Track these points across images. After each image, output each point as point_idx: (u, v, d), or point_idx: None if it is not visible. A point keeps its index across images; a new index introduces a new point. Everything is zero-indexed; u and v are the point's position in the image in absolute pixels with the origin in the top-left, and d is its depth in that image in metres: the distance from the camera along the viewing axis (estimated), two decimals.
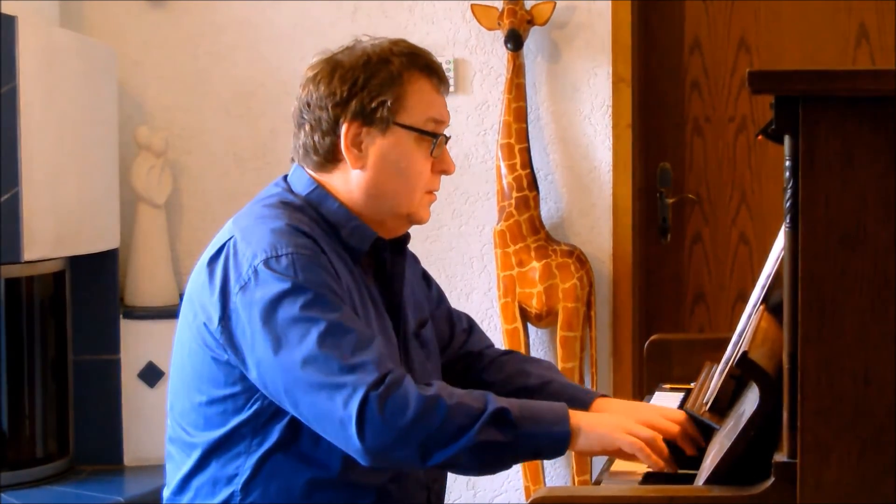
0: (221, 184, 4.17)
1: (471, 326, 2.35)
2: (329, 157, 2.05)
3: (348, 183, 2.05)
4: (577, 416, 1.91)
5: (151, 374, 3.97)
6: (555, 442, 1.89)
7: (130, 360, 3.98)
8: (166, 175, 4.10)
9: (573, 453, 3.80)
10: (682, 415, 2.05)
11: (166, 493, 2.09)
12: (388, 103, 2.02)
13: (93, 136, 3.83)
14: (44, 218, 3.62)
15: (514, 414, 1.87)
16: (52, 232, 3.66)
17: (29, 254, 3.60)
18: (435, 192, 2.11)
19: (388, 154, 2.03)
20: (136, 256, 4.07)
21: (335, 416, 1.84)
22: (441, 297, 2.33)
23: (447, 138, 2.10)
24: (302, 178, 2.09)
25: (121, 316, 3.97)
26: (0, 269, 3.66)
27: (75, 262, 3.89)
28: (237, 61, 4.14)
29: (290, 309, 1.88)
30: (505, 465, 1.91)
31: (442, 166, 2.09)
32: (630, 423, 1.94)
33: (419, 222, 2.11)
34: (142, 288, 4.05)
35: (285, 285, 1.89)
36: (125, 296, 4.07)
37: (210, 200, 4.18)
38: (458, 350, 2.30)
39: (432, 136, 2.05)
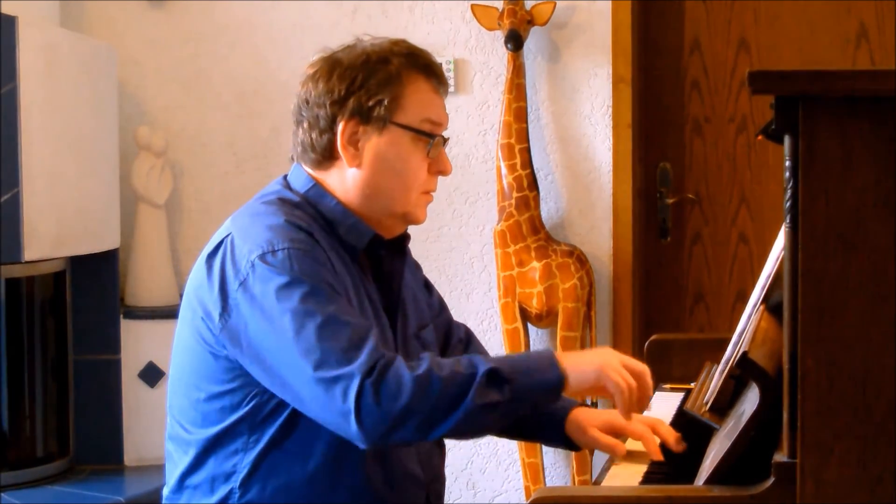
0: (221, 184, 4.17)
1: (468, 337, 2.36)
2: (326, 155, 2.06)
3: (345, 181, 2.06)
4: (564, 358, 1.95)
5: (151, 374, 3.97)
6: (551, 387, 1.93)
7: (130, 360, 3.97)
8: (166, 175, 4.10)
9: (573, 454, 3.80)
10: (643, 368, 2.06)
11: (166, 491, 2.09)
12: (386, 102, 2.02)
13: (93, 136, 3.83)
14: (44, 218, 3.62)
15: (506, 371, 1.89)
16: (52, 232, 3.66)
17: (29, 254, 3.60)
18: (431, 193, 2.11)
19: (385, 153, 2.04)
20: (136, 256, 4.07)
21: (335, 409, 1.85)
22: (442, 307, 2.33)
23: (445, 140, 2.10)
24: (300, 176, 2.10)
25: (121, 316, 3.97)
26: (0, 269, 3.66)
27: (75, 262, 3.89)
28: (237, 61, 4.14)
29: (288, 302, 1.89)
30: (506, 421, 1.95)
31: (438, 167, 2.09)
32: (615, 361, 1.98)
33: (415, 222, 2.11)
34: (142, 288, 4.05)
35: (283, 279, 1.90)
36: (125, 296, 4.07)
37: (210, 200, 4.18)
38: None
39: (429, 137, 2.06)
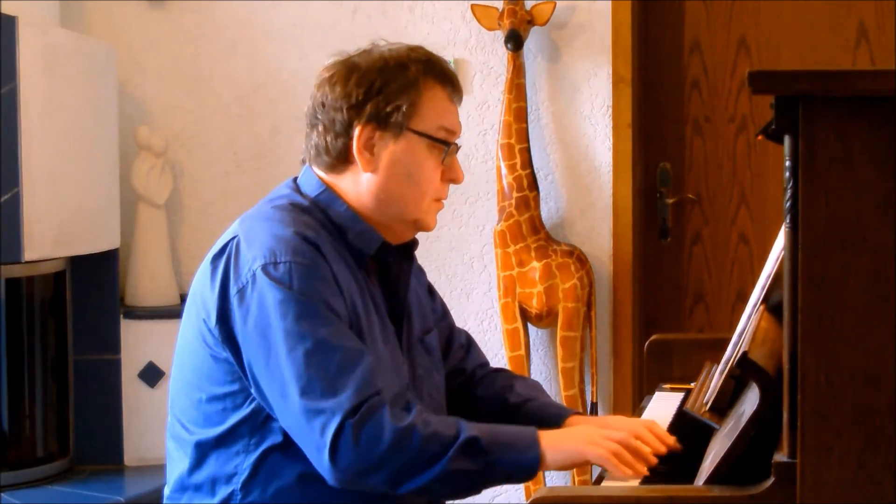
0: (221, 184, 4.17)
1: (469, 344, 2.36)
2: (340, 159, 2.06)
3: (358, 186, 2.06)
4: (545, 437, 1.94)
5: (151, 374, 3.97)
6: (525, 466, 1.92)
7: (130, 360, 3.97)
8: (166, 175, 4.10)
9: None
10: (651, 423, 2.05)
11: (167, 491, 2.09)
12: (403, 108, 2.02)
13: (93, 136, 3.83)
14: (44, 218, 3.62)
15: (485, 441, 1.89)
16: (52, 232, 3.66)
17: (29, 254, 3.59)
18: (442, 201, 2.12)
19: (400, 159, 2.04)
20: (136, 256, 4.07)
21: (312, 440, 1.87)
22: (445, 312, 2.34)
23: (458, 147, 2.11)
24: (311, 180, 2.09)
25: (121, 316, 3.97)
26: (0, 269, 3.66)
27: (75, 262, 3.89)
28: (237, 61, 4.14)
29: (282, 321, 1.89)
30: (476, 491, 1.94)
31: (451, 175, 2.10)
32: (597, 435, 1.97)
33: (426, 229, 2.12)
34: (142, 288, 4.05)
35: (280, 294, 1.90)
36: (125, 296, 4.07)
37: (210, 200, 4.18)
38: (453, 366, 2.31)
39: (444, 145, 2.06)
